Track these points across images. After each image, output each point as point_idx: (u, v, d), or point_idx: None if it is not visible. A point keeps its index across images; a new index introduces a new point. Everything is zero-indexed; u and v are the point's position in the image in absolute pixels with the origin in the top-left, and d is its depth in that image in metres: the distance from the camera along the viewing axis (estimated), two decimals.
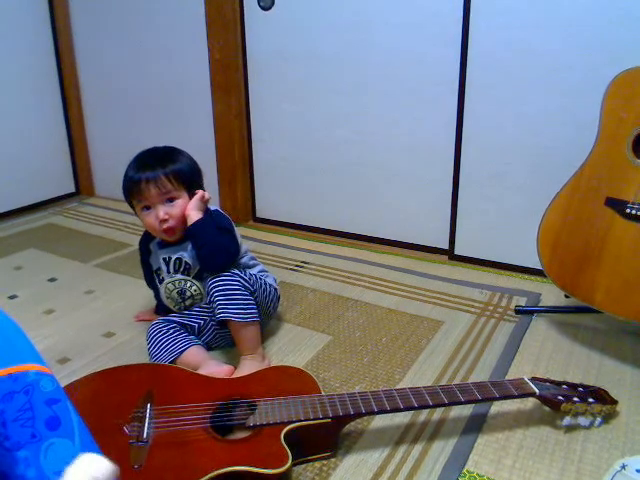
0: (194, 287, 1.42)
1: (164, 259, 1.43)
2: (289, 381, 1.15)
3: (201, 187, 1.41)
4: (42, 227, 2.39)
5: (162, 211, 1.33)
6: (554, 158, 1.67)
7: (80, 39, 2.58)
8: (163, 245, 1.43)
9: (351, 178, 2.09)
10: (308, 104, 2.09)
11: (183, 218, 1.35)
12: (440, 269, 1.89)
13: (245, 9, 2.11)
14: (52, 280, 1.87)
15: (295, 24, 2.02)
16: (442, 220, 1.95)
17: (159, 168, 1.33)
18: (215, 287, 1.30)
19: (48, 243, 2.20)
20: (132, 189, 1.34)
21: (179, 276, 1.41)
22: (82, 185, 2.80)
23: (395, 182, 2.00)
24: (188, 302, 1.44)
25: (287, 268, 1.92)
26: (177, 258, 1.41)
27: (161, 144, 1.52)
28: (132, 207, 1.40)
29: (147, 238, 1.50)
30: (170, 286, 1.43)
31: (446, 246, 1.97)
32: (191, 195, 1.36)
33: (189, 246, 1.39)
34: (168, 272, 1.43)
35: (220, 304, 1.29)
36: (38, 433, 0.72)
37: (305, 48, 2.03)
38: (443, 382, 1.28)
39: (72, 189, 2.78)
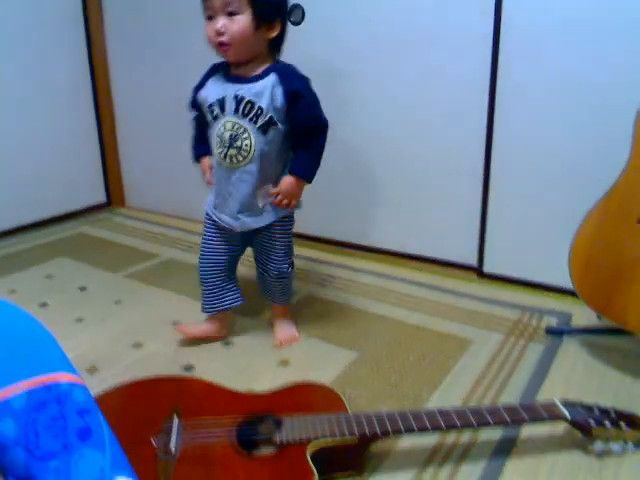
0: (247, 141, 1.33)
1: (218, 99, 1.35)
2: (316, 398, 1.14)
3: (274, 14, 1.30)
4: (73, 236, 2.44)
5: (220, 22, 1.26)
6: (587, 176, 1.65)
7: (114, 52, 2.64)
8: (229, 78, 1.37)
9: (378, 192, 2.08)
10: (336, 118, 2.08)
11: (243, 39, 1.27)
12: (469, 286, 1.86)
13: None
14: (82, 289, 1.90)
15: (325, 39, 2.04)
16: (471, 237, 1.93)
17: None
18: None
19: (79, 252, 2.24)
20: None
21: (244, 122, 1.32)
22: (113, 196, 2.85)
23: (423, 197, 1.99)
24: (232, 152, 1.35)
25: (314, 282, 1.92)
26: (239, 96, 1.32)
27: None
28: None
29: (214, 69, 1.44)
30: (228, 125, 1.34)
31: (475, 263, 1.94)
32: (258, 16, 1.26)
33: (261, 84, 1.31)
34: (222, 111, 1.35)
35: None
36: (69, 443, 0.73)
37: (335, 63, 2.04)
38: (471, 403, 1.26)
39: (103, 199, 2.83)
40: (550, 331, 1.56)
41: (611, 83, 1.56)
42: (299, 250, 2.19)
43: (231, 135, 1.34)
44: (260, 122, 1.31)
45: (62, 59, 2.54)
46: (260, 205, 1.41)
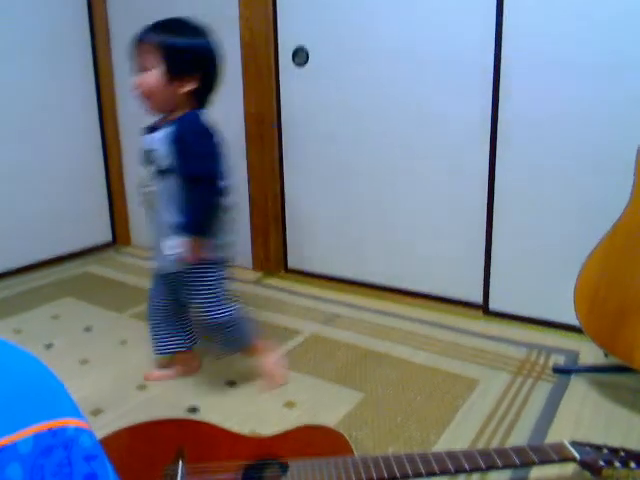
0: (152, 187, 1.39)
1: (143, 148, 1.41)
2: (321, 441, 1.13)
3: (188, 69, 1.33)
4: (79, 276, 2.45)
5: (136, 78, 1.33)
6: (592, 211, 1.66)
7: (122, 93, 2.70)
8: (152, 128, 1.42)
9: (382, 230, 2.10)
10: (339, 157, 2.13)
11: (155, 92, 1.33)
12: (474, 324, 1.86)
13: (280, 65, 2.19)
14: (88, 329, 1.90)
15: (327, 80, 2.08)
16: (476, 274, 1.93)
17: (152, 35, 1.31)
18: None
19: (85, 292, 2.24)
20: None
21: (151, 169, 1.38)
22: (119, 234, 2.87)
23: (426, 234, 2.00)
24: (145, 196, 1.41)
25: (318, 321, 1.91)
26: (149, 144, 1.38)
27: None
28: None
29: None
30: (143, 172, 1.41)
31: (480, 300, 1.94)
32: (169, 71, 1.30)
33: (164, 131, 1.35)
34: (143, 158, 1.40)
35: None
36: None
37: (337, 102, 2.08)
38: (480, 445, 1.25)
39: (109, 238, 2.85)
40: (557, 370, 1.54)
41: (612, 120, 1.59)
42: (303, 288, 2.20)
43: (143, 181, 1.40)
44: (160, 168, 1.35)
45: (72, 101, 2.59)
46: (165, 252, 1.38)
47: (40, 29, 2.43)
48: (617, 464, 1.06)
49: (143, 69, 1.33)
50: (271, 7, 2.15)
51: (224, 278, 1.46)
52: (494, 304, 1.91)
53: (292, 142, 2.25)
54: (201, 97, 1.39)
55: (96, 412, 1.41)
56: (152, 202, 1.40)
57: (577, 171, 1.67)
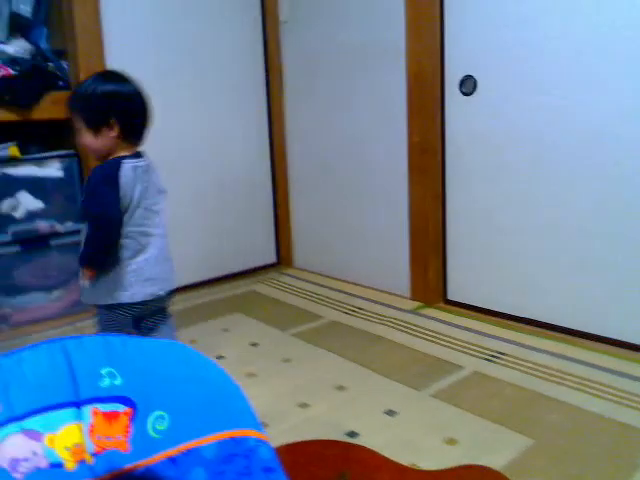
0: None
1: None
2: None
3: (101, 119, 1.39)
4: (247, 294, 2.61)
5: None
6: None
7: (291, 119, 2.85)
8: None
9: (553, 264, 1.97)
10: (509, 186, 2.05)
11: (89, 147, 1.43)
12: None
13: (446, 94, 2.18)
14: (254, 345, 2.01)
15: (496, 109, 2.03)
16: None
17: (70, 99, 1.45)
18: None
19: (251, 309, 2.38)
20: None
21: None
22: (282, 257, 3.02)
23: (600, 272, 1.84)
24: None
25: (481, 357, 1.84)
26: None
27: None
28: None
29: None
30: None
31: None
32: (88, 126, 1.39)
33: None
34: None
35: None
36: None
37: (505, 133, 2.01)
38: None
39: (274, 260, 3.02)
40: None
41: None
42: (464, 321, 2.13)
43: None
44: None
45: (247, 140, 2.82)
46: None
47: (227, 78, 2.70)
48: None
49: (77, 131, 1.43)
50: (439, 38, 2.16)
51: (121, 326, 1.47)
52: None
53: (457, 170, 2.21)
54: (128, 138, 1.44)
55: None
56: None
57: None
